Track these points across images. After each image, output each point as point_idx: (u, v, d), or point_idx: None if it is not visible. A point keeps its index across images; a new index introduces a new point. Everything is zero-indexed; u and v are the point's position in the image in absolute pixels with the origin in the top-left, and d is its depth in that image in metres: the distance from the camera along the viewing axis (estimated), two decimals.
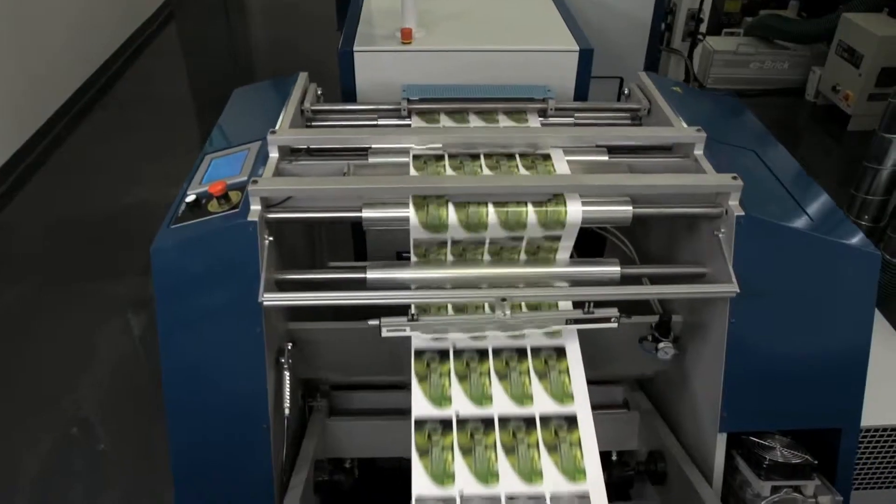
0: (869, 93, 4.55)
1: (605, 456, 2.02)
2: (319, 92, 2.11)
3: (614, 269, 1.60)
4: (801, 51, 5.33)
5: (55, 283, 3.57)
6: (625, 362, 1.88)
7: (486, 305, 1.52)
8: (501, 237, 1.54)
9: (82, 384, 2.98)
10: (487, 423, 1.43)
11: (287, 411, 1.58)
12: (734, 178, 1.53)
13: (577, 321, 1.51)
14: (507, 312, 1.48)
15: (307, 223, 1.93)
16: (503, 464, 1.37)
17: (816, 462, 1.59)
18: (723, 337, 1.58)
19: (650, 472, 1.79)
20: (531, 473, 1.37)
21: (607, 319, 1.51)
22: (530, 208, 1.50)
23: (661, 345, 1.75)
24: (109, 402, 2.88)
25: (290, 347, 1.63)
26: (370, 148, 1.72)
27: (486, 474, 1.36)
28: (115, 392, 2.92)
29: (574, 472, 1.37)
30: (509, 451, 1.39)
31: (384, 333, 1.48)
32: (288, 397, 1.58)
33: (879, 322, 2.48)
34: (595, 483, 1.37)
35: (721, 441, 1.63)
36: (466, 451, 1.39)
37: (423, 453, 1.39)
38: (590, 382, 2.18)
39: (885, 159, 2.91)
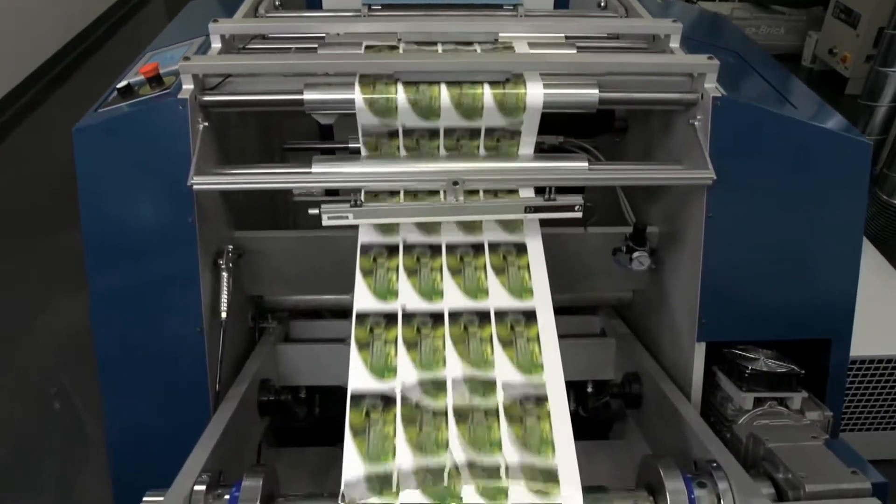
0: (867, 54, 4.42)
1: (580, 386, 1.89)
2: (278, 3, 1.99)
3: (581, 164, 1.47)
4: (797, 15, 5.20)
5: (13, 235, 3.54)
6: (598, 279, 1.75)
7: (442, 194, 1.39)
8: (457, 126, 1.40)
9: (38, 330, 2.93)
10: (437, 317, 1.30)
11: (224, 314, 1.45)
12: (709, 58, 1.41)
13: (537, 209, 1.38)
14: (461, 198, 1.35)
15: (246, 110, 1.73)
16: (451, 355, 1.25)
17: (803, 373, 1.45)
18: (699, 237, 1.45)
19: (625, 396, 1.66)
20: (482, 362, 1.24)
21: (571, 207, 1.38)
22: (487, 90, 1.37)
23: (635, 254, 1.62)
24: (66, 348, 2.79)
25: (230, 249, 1.50)
26: (321, 39, 1.59)
27: (432, 364, 1.24)
28: (71, 338, 2.82)
29: (530, 366, 1.24)
30: (459, 343, 1.27)
31: (325, 221, 1.35)
32: (225, 300, 1.45)
33: (877, 258, 2.36)
34: (554, 379, 1.24)
35: (700, 351, 1.49)
36: (412, 345, 1.27)
37: (363, 346, 1.26)
38: (565, 310, 2.07)
39: (881, 96, 2.77)
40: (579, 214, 1.39)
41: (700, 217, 1.44)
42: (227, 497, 1.14)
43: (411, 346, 1.26)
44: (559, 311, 1.40)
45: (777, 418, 1.41)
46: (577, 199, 1.38)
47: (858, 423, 2.09)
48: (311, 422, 1.83)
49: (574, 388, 1.83)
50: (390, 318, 1.30)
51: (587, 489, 1.14)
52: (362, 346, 1.26)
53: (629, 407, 1.68)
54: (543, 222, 1.49)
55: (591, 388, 1.87)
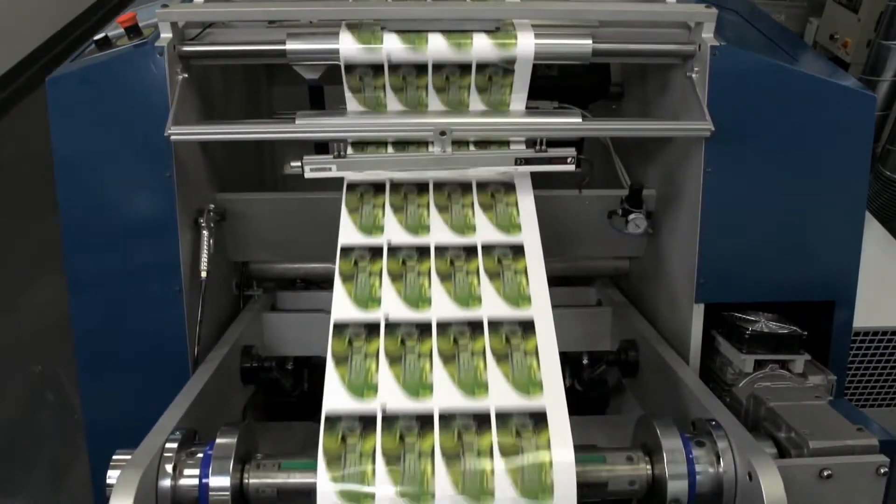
0: (868, 39, 4.36)
1: (575, 358, 1.84)
2: None
3: (575, 119, 1.42)
4: (798, 1, 5.15)
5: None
6: (594, 244, 1.69)
7: (429, 146, 1.34)
8: (447, 60, 1.33)
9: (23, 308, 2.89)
10: (422, 251, 1.27)
11: (204, 273, 1.40)
12: (707, 6, 1.36)
13: (528, 161, 1.33)
14: (448, 149, 1.30)
15: (227, 62, 1.67)
16: (437, 289, 1.21)
17: (806, 334, 1.40)
18: (698, 194, 1.40)
19: (621, 363, 1.60)
20: (468, 298, 1.20)
21: (563, 160, 1.33)
22: (477, 38, 1.32)
23: (631, 216, 1.57)
24: (51, 328, 2.73)
25: (211, 208, 1.45)
26: None
27: (418, 300, 1.20)
28: (56, 318, 2.77)
29: (517, 298, 1.20)
30: (445, 278, 1.23)
31: (307, 174, 1.31)
32: (205, 259, 1.40)
33: (880, 230, 2.31)
34: (540, 306, 1.20)
35: (698, 313, 1.44)
36: (396, 277, 1.24)
37: (348, 278, 1.23)
38: (561, 282, 2.02)
39: (883, 70, 2.72)
40: (572, 167, 1.34)
41: (698, 173, 1.39)
42: (199, 455, 1.09)
43: (396, 278, 1.23)
44: (554, 282, 1.34)
45: (779, 381, 1.36)
46: (569, 151, 1.33)
47: (861, 399, 2.04)
48: (299, 396, 1.78)
49: (569, 363, 1.78)
50: (375, 252, 1.27)
51: (579, 448, 1.09)
52: (346, 279, 1.23)
53: (626, 376, 1.63)
54: (536, 184, 1.45)
55: (586, 360, 1.82)
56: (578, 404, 1.67)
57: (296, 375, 1.78)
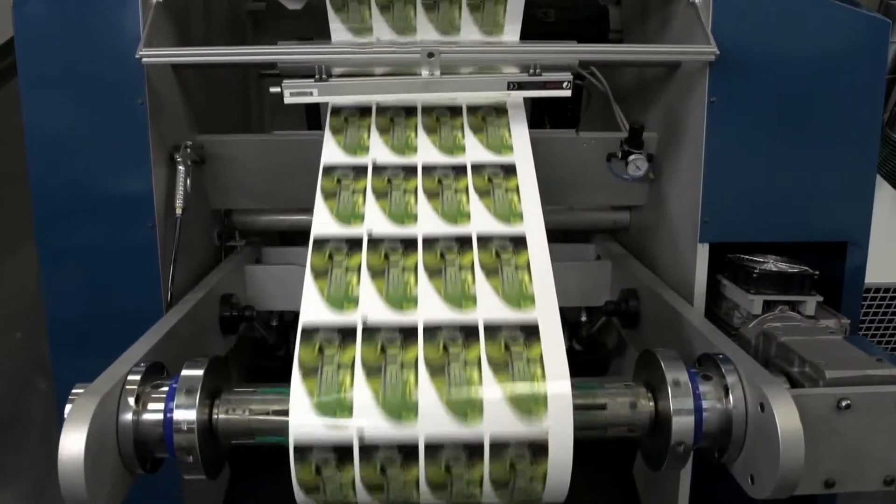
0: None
1: (573, 313, 1.76)
2: None
3: (571, 44, 1.34)
4: None
5: None
6: (592, 191, 1.61)
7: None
8: None
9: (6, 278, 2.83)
10: (409, 170, 1.20)
11: (179, 211, 1.32)
12: None
13: (520, 85, 1.25)
14: (437, 72, 1.22)
15: None
16: (423, 207, 1.15)
17: (817, 274, 1.32)
18: (701, 126, 1.32)
19: (621, 313, 1.52)
20: (457, 215, 1.14)
21: (559, 84, 1.25)
22: None
23: (631, 157, 1.49)
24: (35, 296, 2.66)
25: (188, 144, 1.37)
26: None
27: (404, 216, 1.14)
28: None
29: (508, 215, 1.14)
30: (432, 195, 1.16)
31: (287, 98, 1.23)
32: (181, 196, 1.32)
33: (891, 192, 2.24)
34: (532, 223, 1.14)
35: (703, 253, 1.36)
36: (381, 195, 1.17)
37: (329, 196, 1.16)
38: (558, 238, 1.94)
39: (891, 31, 2.62)
40: (568, 92, 1.27)
41: (702, 105, 1.32)
42: (164, 388, 1.01)
43: (381, 195, 1.16)
44: (551, 238, 1.26)
45: (789, 322, 1.28)
46: (565, 75, 1.25)
47: None
48: (284, 359, 1.70)
49: (567, 322, 1.70)
50: (359, 171, 1.20)
51: (577, 381, 1.01)
52: (328, 196, 1.16)
53: (626, 327, 1.55)
54: (531, 125, 1.37)
55: (584, 317, 1.74)
56: (577, 366, 1.61)
57: (280, 333, 1.70)
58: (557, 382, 0.96)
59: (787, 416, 0.92)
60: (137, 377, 0.99)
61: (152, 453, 1.00)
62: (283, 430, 0.95)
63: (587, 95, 1.47)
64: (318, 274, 1.07)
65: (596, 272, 1.67)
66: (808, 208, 1.36)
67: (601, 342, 1.80)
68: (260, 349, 1.69)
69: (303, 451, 0.91)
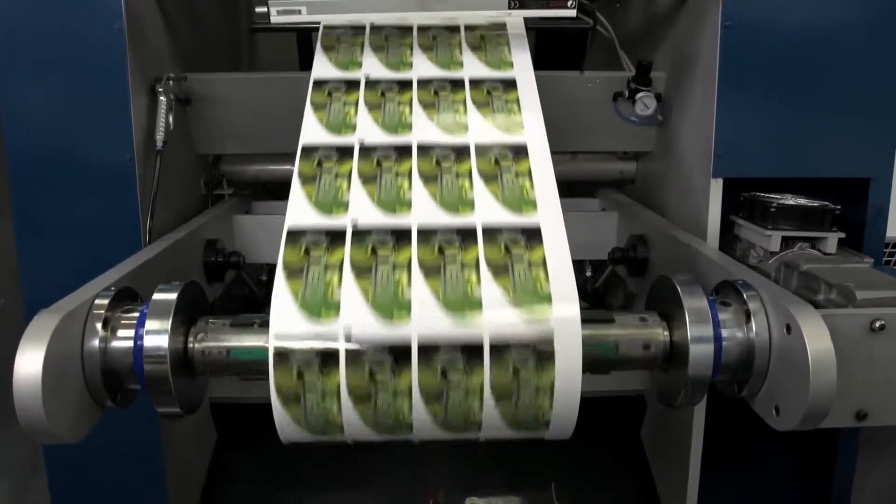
0: None
1: (577, 267, 1.68)
2: None
3: None
4: None
5: None
6: (598, 135, 1.53)
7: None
8: None
9: None
10: (404, 84, 1.13)
11: (160, 143, 1.24)
12: None
13: (522, 3, 1.18)
14: None
15: None
16: (419, 116, 1.08)
17: (839, 209, 1.23)
18: (714, 54, 1.24)
19: (629, 261, 1.43)
20: (453, 125, 1.06)
21: (563, 3, 1.18)
22: None
23: (639, 95, 1.42)
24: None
25: (170, 76, 1.29)
26: None
27: (397, 126, 1.07)
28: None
29: (507, 125, 1.07)
30: (428, 105, 1.09)
31: (273, 17, 1.16)
32: (162, 127, 1.24)
33: None
34: (533, 131, 1.06)
35: (716, 189, 1.27)
36: (374, 107, 1.10)
37: (319, 107, 1.10)
38: (564, 191, 1.86)
39: None
40: (573, 12, 1.19)
41: (715, 29, 1.23)
42: (136, 314, 0.91)
43: (374, 107, 1.09)
44: None
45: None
46: None
47: None
48: None
49: None
50: (351, 85, 1.13)
51: (588, 317, 0.93)
52: (318, 108, 1.10)
53: (634, 275, 1.46)
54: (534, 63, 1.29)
55: (589, 271, 1.66)
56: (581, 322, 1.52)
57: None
58: (562, 284, 0.88)
59: (817, 337, 0.83)
60: (106, 301, 0.90)
61: (122, 384, 0.91)
62: (265, 355, 0.86)
63: (591, 36, 1.40)
64: (306, 179, 1.01)
65: (601, 223, 1.59)
66: (830, 142, 1.27)
67: (607, 301, 1.72)
68: (249, 307, 1.61)
69: (283, 354, 0.83)
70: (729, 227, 1.33)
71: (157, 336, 0.89)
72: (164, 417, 0.94)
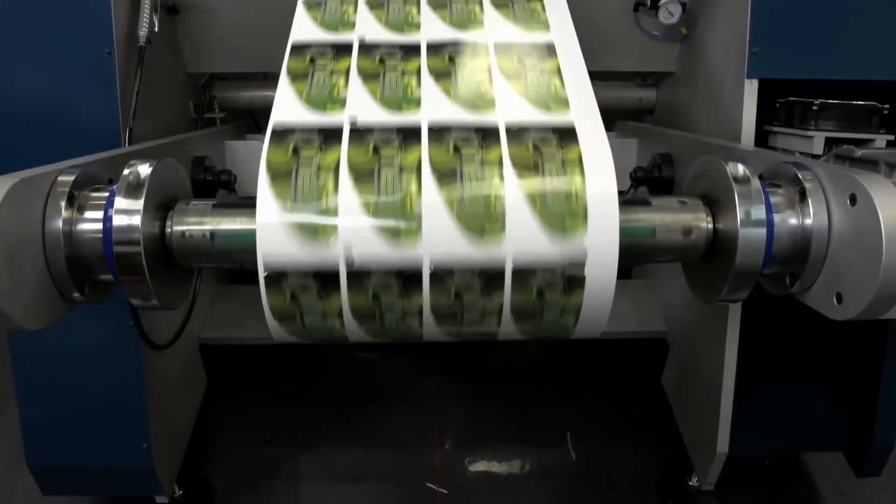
0: None
1: None
2: None
3: None
4: None
5: None
6: (618, 52, 1.42)
7: None
8: None
9: None
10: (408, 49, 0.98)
11: (143, 39, 1.12)
12: None
13: None
14: None
15: None
16: (427, 15, 0.96)
17: (887, 108, 1.12)
18: None
19: (652, 181, 1.31)
20: (468, 22, 0.95)
21: None
22: None
23: (662, 1, 1.31)
24: None
25: None
26: None
27: (403, 25, 0.94)
28: None
29: (531, 23, 0.96)
30: (439, 6, 0.98)
31: None
32: (146, 23, 1.13)
33: None
34: (563, 30, 0.96)
35: (751, 90, 1.16)
36: (375, 5, 0.98)
37: (313, 6, 0.98)
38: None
39: None
40: None
41: None
42: (105, 193, 0.79)
43: (375, 5, 0.99)
44: None
45: None
46: None
47: None
48: None
49: None
50: (341, 50, 0.98)
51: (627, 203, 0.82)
52: (311, 6, 0.99)
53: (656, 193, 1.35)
54: None
55: None
56: None
57: None
58: (600, 181, 0.77)
59: (889, 204, 0.72)
60: (70, 178, 0.78)
61: (91, 273, 0.80)
62: (251, 242, 0.75)
63: None
64: (296, 76, 0.88)
65: (618, 151, 1.47)
66: (875, 39, 1.16)
67: None
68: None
69: (275, 276, 0.72)
70: (762, 140, 1.22)
71: (129, 216, 0.77)
72: (141, 310, 0.82)
